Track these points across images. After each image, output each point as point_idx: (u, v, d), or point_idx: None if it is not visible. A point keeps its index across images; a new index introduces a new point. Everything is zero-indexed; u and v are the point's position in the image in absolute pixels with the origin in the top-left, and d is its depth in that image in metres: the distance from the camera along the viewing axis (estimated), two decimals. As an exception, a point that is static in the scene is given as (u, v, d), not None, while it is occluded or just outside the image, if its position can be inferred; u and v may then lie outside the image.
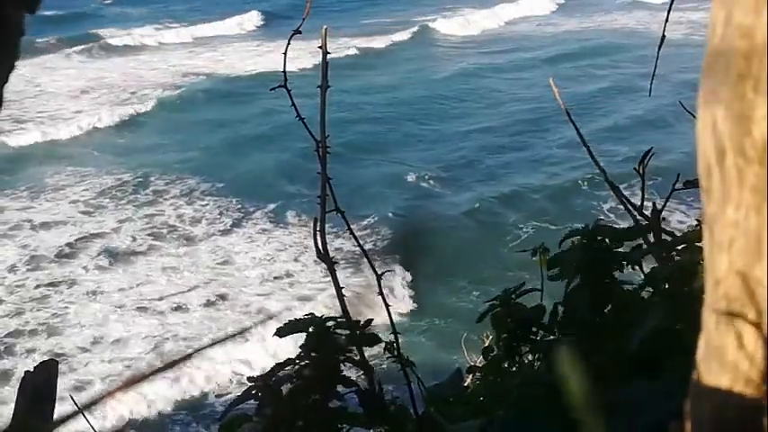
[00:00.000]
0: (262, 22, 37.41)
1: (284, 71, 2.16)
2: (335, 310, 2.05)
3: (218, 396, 10.88)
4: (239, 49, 31.96)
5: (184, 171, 18.98)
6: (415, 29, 33.34)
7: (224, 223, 16.16)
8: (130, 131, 22.73)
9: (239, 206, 16.87)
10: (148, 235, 15.74)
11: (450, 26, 34.34)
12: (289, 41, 2.13)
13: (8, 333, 12.55)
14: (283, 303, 13.06)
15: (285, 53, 2.13)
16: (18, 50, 0.59)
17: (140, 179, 18.51)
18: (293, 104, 2.14)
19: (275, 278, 13.94)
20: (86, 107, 24.79)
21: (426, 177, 18.18)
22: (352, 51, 29.70)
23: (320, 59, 2.08)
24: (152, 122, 23.32)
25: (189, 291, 13.55)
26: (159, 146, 21.31)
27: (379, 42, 31.46)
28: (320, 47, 2.06)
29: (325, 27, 2.10)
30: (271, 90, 2.24)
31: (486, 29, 34.19)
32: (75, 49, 32.42)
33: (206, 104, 24.55)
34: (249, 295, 13.39)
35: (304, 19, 2.06)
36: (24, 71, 27.88)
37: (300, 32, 2.15)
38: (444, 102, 24.03)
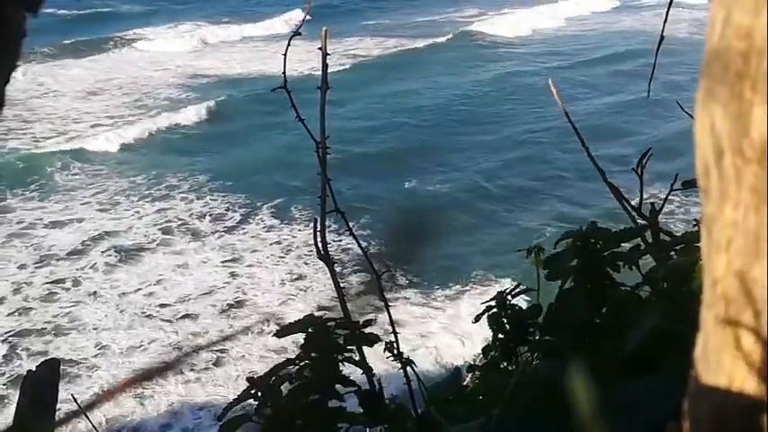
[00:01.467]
0: (306, 20, 37.22)
1: (284, 72, 2.17)
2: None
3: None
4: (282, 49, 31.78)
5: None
6: (458, 30, 33.36)
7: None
8: (186, 136, 22.46)
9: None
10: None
11: (495, 27, 34.44)
12: (289, 43, 2.13)
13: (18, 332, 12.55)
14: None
15: (285, 54, 2.13)
16: (20, 51, 0.59)
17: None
18: (293, 105, 2.14)
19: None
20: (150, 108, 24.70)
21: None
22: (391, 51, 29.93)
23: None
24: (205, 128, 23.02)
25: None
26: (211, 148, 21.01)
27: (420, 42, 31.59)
28: (320, 48, 2.06)
29: (324, 28, 2.11)
30: (272, 91, 2.24)
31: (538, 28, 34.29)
32: (116, 50, 32.62)
33: (260, 106, 24.00)
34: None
35: (304, 20, 2.07)
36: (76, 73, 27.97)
37: (300, 34, 2.15)
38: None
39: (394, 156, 19.77)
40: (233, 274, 14.51)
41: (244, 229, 16.43)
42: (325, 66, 2.09)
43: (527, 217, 16.28)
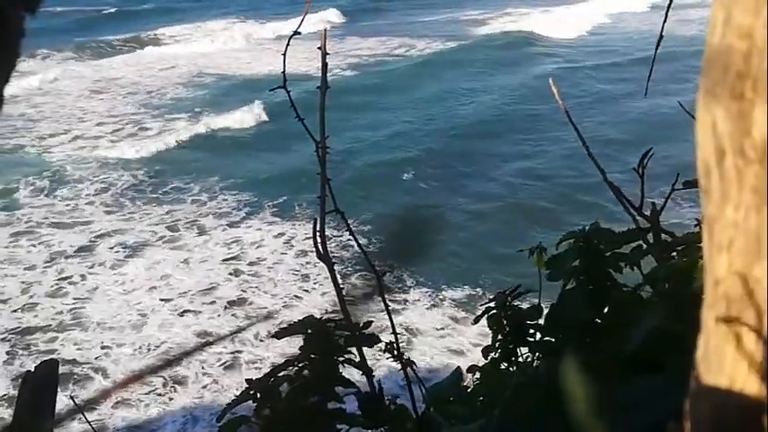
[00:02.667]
0: (343, 20, 37.72)
1: (284, 72, 2.16)
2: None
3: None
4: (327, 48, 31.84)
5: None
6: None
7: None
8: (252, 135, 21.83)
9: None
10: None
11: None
12: (288, 43, 2.13)
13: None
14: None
15: (284, 54, 2.13)
16: (19, 51, 0.59)
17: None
18: (293, 105, 2.14)
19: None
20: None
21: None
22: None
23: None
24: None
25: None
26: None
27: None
28: (319, 48, 2.06)
29: (324, 28, 2.10)
30: (270, 91, 2.24)
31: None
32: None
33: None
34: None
35: (303, 20, 2.06)
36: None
37: (300, 33, 2.14)
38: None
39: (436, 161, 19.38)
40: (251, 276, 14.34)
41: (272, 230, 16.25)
42: (324, 66, 2.08)
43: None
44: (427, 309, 12.79)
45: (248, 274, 14.28)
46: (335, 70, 27.53)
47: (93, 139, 22.34)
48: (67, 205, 17.73)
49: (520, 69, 27.69)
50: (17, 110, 24.68)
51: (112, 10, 41.80)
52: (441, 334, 12.05)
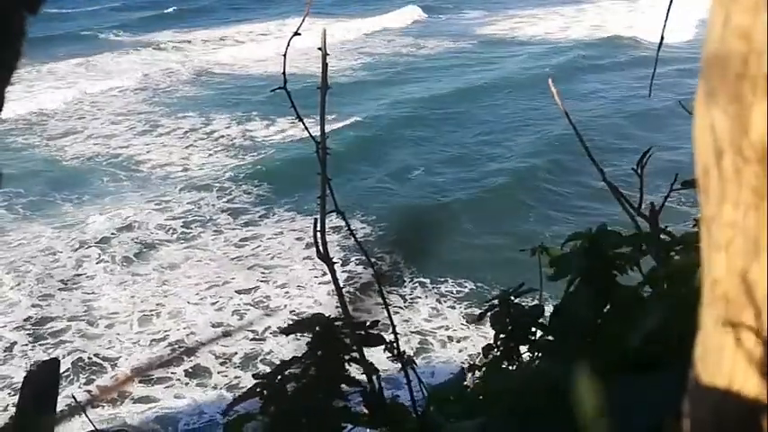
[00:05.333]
0: (423, 16, 37.60)
1: (284, 72, 2.16)
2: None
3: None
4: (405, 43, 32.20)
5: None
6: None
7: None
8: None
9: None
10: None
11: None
12: (288, 44, 2.13)
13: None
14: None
15: (285, 54, 2.13)
16: (20, 52, 0.59)
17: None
18: (293, 106, 2.14)
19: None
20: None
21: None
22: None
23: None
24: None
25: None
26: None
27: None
28: (320, 48, 2.06)
29: (324, 28, 2.10)
30: (271, 91, 2.24)
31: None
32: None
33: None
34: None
35: (303, 20, 2.06)
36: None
37: (300, 34, 2.14)
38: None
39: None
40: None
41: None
42: (325, 66, 2.08)
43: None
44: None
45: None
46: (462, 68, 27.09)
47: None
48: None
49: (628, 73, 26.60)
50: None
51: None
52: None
